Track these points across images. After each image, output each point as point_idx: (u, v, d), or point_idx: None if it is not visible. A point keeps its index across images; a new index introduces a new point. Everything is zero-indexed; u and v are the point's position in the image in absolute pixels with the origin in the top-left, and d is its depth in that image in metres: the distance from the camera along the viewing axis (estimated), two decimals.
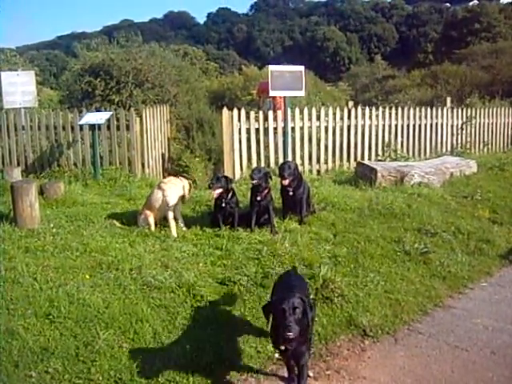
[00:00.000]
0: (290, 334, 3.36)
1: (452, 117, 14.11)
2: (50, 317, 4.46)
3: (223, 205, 7.07)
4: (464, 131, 14.36)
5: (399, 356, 4.45)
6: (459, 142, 14.26)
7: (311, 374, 4.10)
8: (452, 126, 14.10)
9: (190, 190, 7.43)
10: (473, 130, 14.59)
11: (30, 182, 7.29)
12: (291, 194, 7.43)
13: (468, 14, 58.82)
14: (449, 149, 13.90)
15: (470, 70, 27.78)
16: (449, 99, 15.79)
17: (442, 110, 13.99)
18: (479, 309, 5.39)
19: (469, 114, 14.47)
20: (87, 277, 5.29)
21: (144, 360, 3.98)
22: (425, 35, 78.88)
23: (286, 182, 7.33)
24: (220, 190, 7.00)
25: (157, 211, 7.12)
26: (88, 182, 9.97)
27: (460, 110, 14.43)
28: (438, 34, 70.04)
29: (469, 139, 14.48)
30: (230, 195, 7.12)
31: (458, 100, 18.76)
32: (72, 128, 10.94)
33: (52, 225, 7.05)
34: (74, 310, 4.56)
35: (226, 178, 7.29)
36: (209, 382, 3.86)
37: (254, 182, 7.04)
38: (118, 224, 7.25)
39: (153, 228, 7.08)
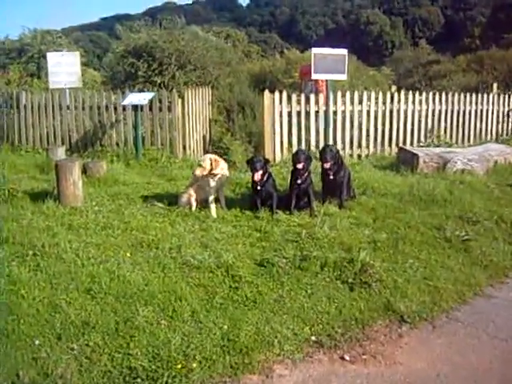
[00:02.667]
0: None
1: (498, 103, 13.79)
2: (92, 292, 4.57)
3: (258, 187, 7.08)
4: (510, 118, 14.03)
5: (437, 343, 4.40)
6: (504, 129, 13.96)
7: (347, 358, 4.10)
8: (498, 113, 13.79)
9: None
10: None
11: (73, 161, 7.43)
12: (332, 177, 7.39)
13: None
14: (493, 136, 13.64)
15: None
16: (495, 85, 15.43)
17: (488, 96, 13.69)
18: None
19: None
20: (128, 254, 5.40)
21: (182, 337, 4.03)
22: (472, 19, 76.92)
23: (327, 166, 7.30)
24: (261, 172, 7.01)
25: (199, 191, 7.17)
26: (130, 161, 10.12)
27: (507, 97, 14.08)
28: (485, 17, 68.19)
29: None
30: (265, 177, 7.12)
31: (504, 86, 18.31)
32: (115, 108, 11.09)
33: (94, 203, 7.21)
34: (115, 287, 4.66)
35: (265, 159, 7.30)
36: (245, 361, 3.88)
37: (300, 165, 7.02)
38: (158, 204, 7.34)
39: (194, 208, 7.14)
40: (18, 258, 5.16)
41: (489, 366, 4.09)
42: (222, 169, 7.18)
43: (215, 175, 7.04)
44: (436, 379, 3.91)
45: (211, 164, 6.98)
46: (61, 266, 5.02)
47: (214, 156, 7.27)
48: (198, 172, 7.01)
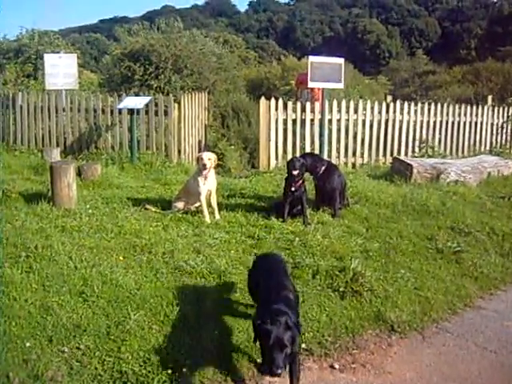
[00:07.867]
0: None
1: (492, 115, 13.87)
2: (84, 295, 4.57)
3: None
4: (504, 130, 14.12)
5: (426, 353, 4.42)
6: (498, 141, 14.03)
7: (337, 366, 4.12)
8: (492, 125, 13.87)
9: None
10: None
11: (68, 163, 7.44)
12: (325, 186, 7.42)
13: None
14: (487, 148, 13.70)
15: None
16: (490, 97, 15.52)
17: (483, 108, 13.76)
18: (511, 311, 5.31)
19: (510, 113, 14.19)
20: (121, 258, 5.41)
21: (173, 342, 4.04)
22: (468, 31, 77.11)
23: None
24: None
25: (192, 197, 7.16)
26: (124, 165, 10.11)
27: (501, 109, 14.16)
28: (482, 29, 68.60)
29: (509, 139, 14.23)
30: None
31: (499, 98, 18.40)
32: (111, 111, 11.10)
33: (88, 206, 7.20)
34: (107, 290, 4.67)
35: None
36: (237, 366, 3.90)
37: (294, 172, 7.03)
38: (152, 208, 7.34)
39: (187, 213, 7.12)
40: (10, 260, 5.13)
41: (478, 377, 4.12)
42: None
43: (206, 178, 7.02)
44: None
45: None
46: (53, 269, 5.02)
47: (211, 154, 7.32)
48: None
